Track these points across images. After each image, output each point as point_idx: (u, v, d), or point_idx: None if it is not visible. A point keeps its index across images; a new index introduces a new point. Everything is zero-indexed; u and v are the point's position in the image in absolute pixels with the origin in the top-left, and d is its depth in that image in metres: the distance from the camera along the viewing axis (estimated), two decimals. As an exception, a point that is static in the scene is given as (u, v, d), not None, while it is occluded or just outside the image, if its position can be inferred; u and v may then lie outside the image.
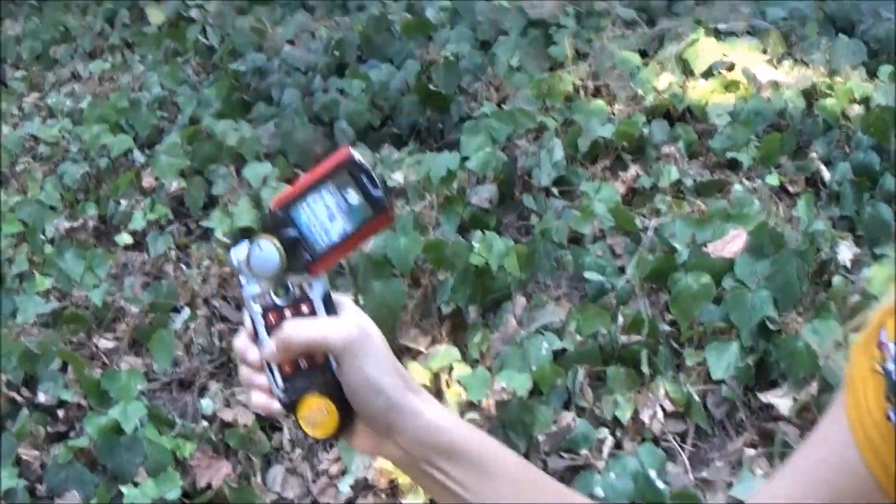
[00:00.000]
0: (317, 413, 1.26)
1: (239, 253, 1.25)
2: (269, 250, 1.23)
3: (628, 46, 5.54)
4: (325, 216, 1.24)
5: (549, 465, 3.46)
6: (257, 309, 1.26)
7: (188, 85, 6.18)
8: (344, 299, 1.30)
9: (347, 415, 1.27)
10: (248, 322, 1.28)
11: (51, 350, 4.11)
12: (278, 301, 1.26)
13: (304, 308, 1.26)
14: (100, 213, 5.25)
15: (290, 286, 1.26)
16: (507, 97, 5.29)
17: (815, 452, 1.12)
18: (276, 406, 1.28)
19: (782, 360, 3.66)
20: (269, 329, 1.26)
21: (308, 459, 3.86)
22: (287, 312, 1.26)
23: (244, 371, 1.31)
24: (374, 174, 1.23)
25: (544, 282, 4.21)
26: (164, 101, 6.06)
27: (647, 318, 3.77)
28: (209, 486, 3.67)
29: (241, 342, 1.30)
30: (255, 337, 1.27)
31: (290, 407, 1.27)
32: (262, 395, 1.29)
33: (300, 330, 1.24)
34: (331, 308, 1.28)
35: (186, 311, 4.33)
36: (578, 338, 3.80)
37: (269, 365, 1.27)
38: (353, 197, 1.22)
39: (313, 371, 1.27)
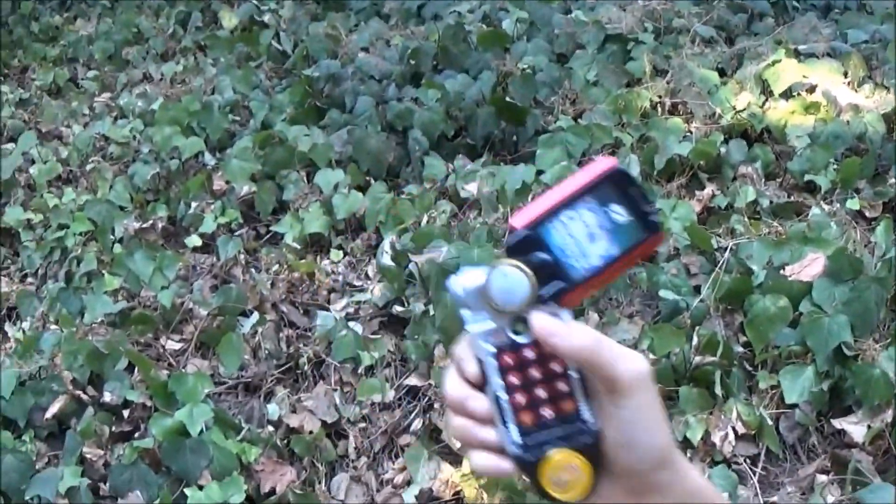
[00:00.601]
0: (567, 471, 1.02)
1: (466, 281, 1.03)
2: (516, 278, 1.01)
3: (707, 64, 5.47)
4: (584, 236, 1.02)
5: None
6: (489, 349, 1.03)
7: (260, 90, 6.18)
8: None
9: (597, 471, 1.03)
10: (470, 365, 1.04)
11: (118, 350, 4.11)
12: (518, 339, 1.03)
13: None
14: (169, 215, 5.24)
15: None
16: (584, 111, 5.24)
17: None
18: (506, 466, 1.03)
19: (858, 386, 3.59)
20: (505, 373, 1.03)
21: (373, 468, 3.84)
22: (528, 352, 1.03)
23: (461, 424, 1.05)
24: (643, 188, 1.03)
25: (617, 298, 4.16)
26: (236, 105, 6.06)
27: (721, 340, 3.70)
28: (273, 492, 3.65)
29: (458, 389, 1.05)
30: (484, 382, 1.04)
31: (531, 466, 1.03)
32: (487, 454, 1.04)
33: (581, 343, 0.99)
34: None
35: (255, 316, 4.31)
36: (651, 356, 3.75)
37: (502, 416, 1.03)
38: (620, 214, 1.02)
39: (561, 420, 1.03)
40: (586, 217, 1.02)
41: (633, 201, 1.02)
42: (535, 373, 1.04)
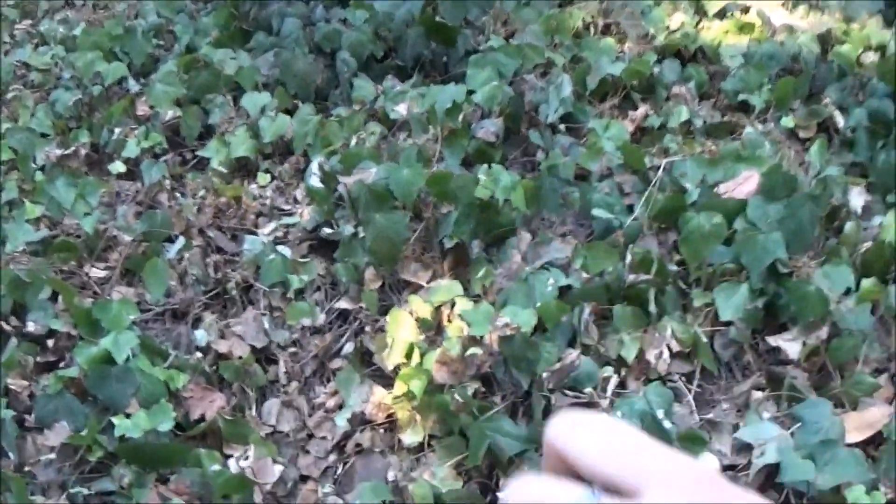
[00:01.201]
0: None
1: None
2: None
3: (640, -16, 5.42)
4: None
5: (554, 402, 3.38)
6: None
7: (185, 13, 6.04)
8: None
9: None
10: None
11: (40, 278, 3.99)
12: None
13: None
14: (92, 141, 5.11)
15: None
16: (515, 32, 5.17)
17: None
18: None
19: (792, 303, 3.58)
20: None
21: (304, 393, 3.79)
22: None
23: None
24: None
25: (549, 218, 4.12)
26: (161, 29, 5.92)
27: (655, 258, 3.67)
28: (202, 419, 3.58)
29: None
30: None
31: None
32: None
33: None
34: None
35: (182, 241, 4.22)
36: (584, 275, 3.71)
37: None
38: None
39: None
40: None
41: None
42: None
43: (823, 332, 3.52)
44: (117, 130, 5.00)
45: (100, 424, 3.46)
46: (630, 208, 4.01)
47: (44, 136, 5.19)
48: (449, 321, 3.67)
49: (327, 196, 4.23)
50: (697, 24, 5.14)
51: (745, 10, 5.16)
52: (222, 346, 3.85)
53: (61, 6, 6.95)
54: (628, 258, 3.71)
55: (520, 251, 3.89)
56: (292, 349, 3.91)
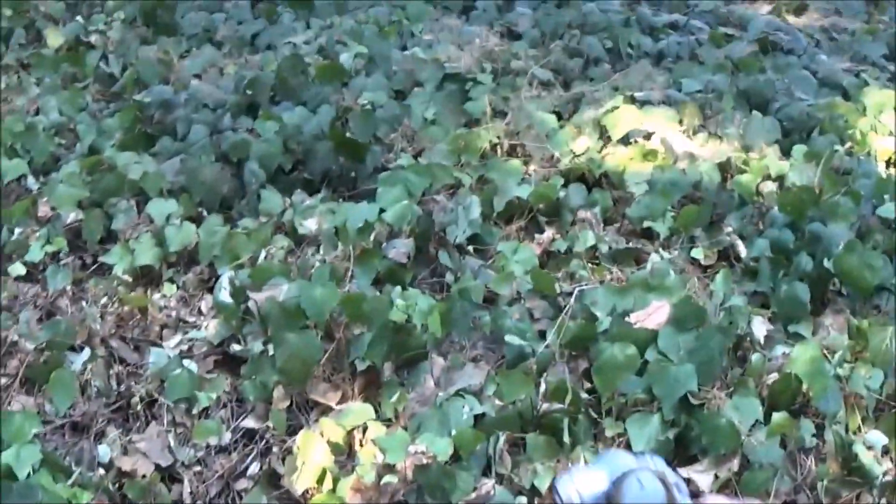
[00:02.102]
0: None
1: (584, 487, 0.75)
2: (653, 488, 0.67)
3: (544, 107, 5.48)
4: None
5: (469, 534, 3.37)
6: None
7: (87, 113, 5.95)
8: None
9: None
10: None
11: (-65, 386, 3.88)
12: None
13: None
14: (-10, 242, 4.99)
15: None
16: (423, 150, 5.20)
17: None
18: None
19: (704, 435, 3.63)
20: None
21: (209, 514, 3.72)
22: None
23: None
24: None
25: (460, 342, 4.11)
26: (62, 127, 5.81)
27: (570, 387, 3.69)
28: (105, 540, 3.49)
29: None
30: None
31: None
32: None
33: None
34: None
35: (87, 352, 4.12)
36: (498, 402, 3.72)
37: None
38: None
39: None
40: None
41: None
42: None
43: (734, 465, 3.57)
44: (17, 231, 4.90)
45: (-2, 544, 3.35)
46: (542, 334, 4.03)
47: (-62, 234, 5.05)
48: (361, 445, 3.64)
49: (235, 311, 4.18)
50: (602, 149, 5.21)
51: (648, 136, 5.24)
52: (126, 464, 3.76)
53: (-42, 99, 6.81)
54: (542, 386, 3.73)
55: (433, 376, 3.88)
56: (197, 468, 3.83)
